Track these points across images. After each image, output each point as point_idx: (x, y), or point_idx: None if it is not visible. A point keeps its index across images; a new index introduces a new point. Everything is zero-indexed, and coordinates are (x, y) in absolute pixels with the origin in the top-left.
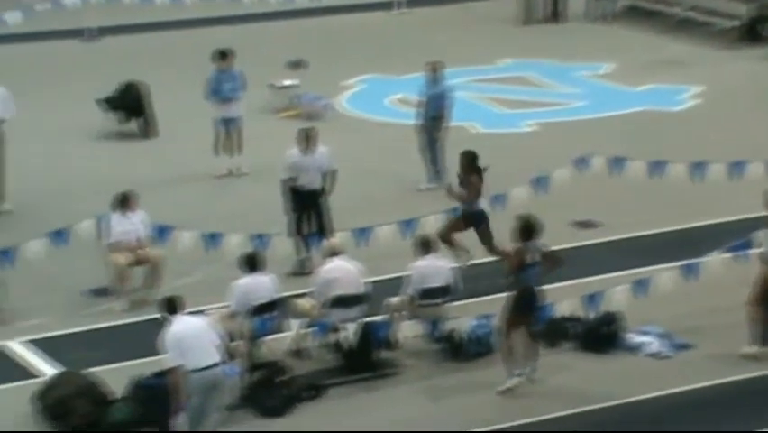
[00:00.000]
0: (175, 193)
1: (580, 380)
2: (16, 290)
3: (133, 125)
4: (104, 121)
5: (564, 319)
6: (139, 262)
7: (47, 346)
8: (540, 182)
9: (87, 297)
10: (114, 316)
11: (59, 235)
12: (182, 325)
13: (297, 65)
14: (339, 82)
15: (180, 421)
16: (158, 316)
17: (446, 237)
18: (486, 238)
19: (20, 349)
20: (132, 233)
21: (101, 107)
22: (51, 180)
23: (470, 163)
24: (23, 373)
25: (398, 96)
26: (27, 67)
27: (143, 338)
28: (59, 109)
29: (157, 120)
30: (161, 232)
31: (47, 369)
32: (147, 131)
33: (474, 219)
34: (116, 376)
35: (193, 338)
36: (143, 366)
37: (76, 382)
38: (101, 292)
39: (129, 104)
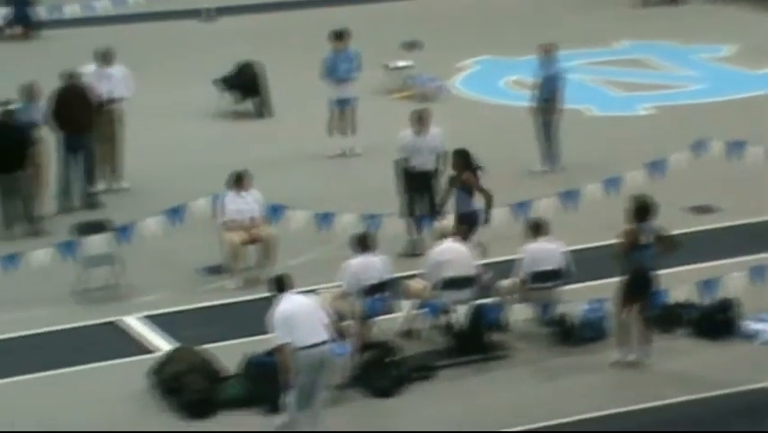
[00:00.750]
0: (289, 173)
1: (693, 366)
2: (133, 266)
3: (249, 105)
4: (219, 100)
5: (679, 305)
6: (252, 240)
7: (162, 322)
8: (656, 166)
9: (202, 274)
10: (228, 293)
11: (174, 213)
12: (290, 303)
13: (411, 46)
14: (454, 63)
15: (289, 399)
16: (269, 294)
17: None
18: (465, 238)
19: (136, 324)
20: (246, 212)
21: (217, 87)
22: (168, 159)
23: (464, 162)
24: (139, 348)
25: (514, 77)
26: (146, 46)
27: (256, 316)
28: (177, 88)
29: (272, 100)
30: (275, 211)
31: (162, 344)
32: (262, 111)
33: (468, 220)
34: (229, 353)
35: (301, 316)
36: (255, 344)
37: (190, 358)
38: (215, 270)
39: (245, 83)
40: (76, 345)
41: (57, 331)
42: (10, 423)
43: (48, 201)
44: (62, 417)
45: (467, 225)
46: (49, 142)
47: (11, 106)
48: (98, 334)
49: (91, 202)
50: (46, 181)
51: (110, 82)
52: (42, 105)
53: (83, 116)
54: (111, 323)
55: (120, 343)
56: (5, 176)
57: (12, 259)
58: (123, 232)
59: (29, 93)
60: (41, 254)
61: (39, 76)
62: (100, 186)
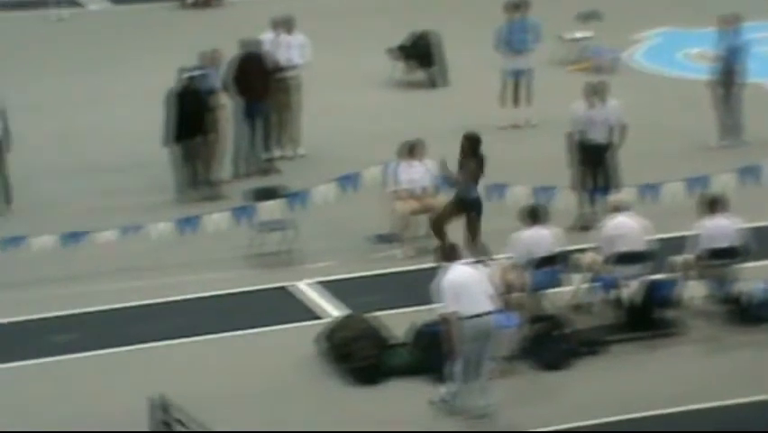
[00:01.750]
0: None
1: None
2: (306, 232)
3: (423, 74)
4: (394, 69)
5: None
6: (423, 210)
7: (332, 289)
8: None
9: (372, 242)
10: (397, 262)
11: (347, 181)
12: (458, 273)
13: (589, 17)
14: (633, 35)
15: (455, 369)
16: (437, 264)
17: (438, 226)
18: (472, 227)
19: (307, 290)
20: (418, 181)
21: (392, 56)
22: (343, 127)
23: (473, 147)
24: (310, 313)
25: (695, 50)
26: (323, 15)
27: (424, 286)
28: (352, 57)
29: (447, 70)
30: (446, 181)
31: (332, 311)
32: (436, 80)
33: (467, 206)
34: (397, 321)
35: (468, 286)
36: (423, 313)
37: (359, 325)
38: (385, 238)
39: (420, 53)
40: (248, 308)
41: (230, 294)
42: (182, 382)
43: (225, 166)
44: (232, 379)
45: (465, 210)
46: (227, 108)
47: (192, 73)
48: (270, 298)
49: (267, 168)
50: (224, 147)
51: (288, 50)
52: (222, 72)
53: (261, 83)
54: (282, 288)
55: (290, 308)
56: (187, 141)
57: (189, 222)
58: (297, 198)
59: (210, 60)
60: (216, 218)
61: (219, 43)
62: (276, 152)
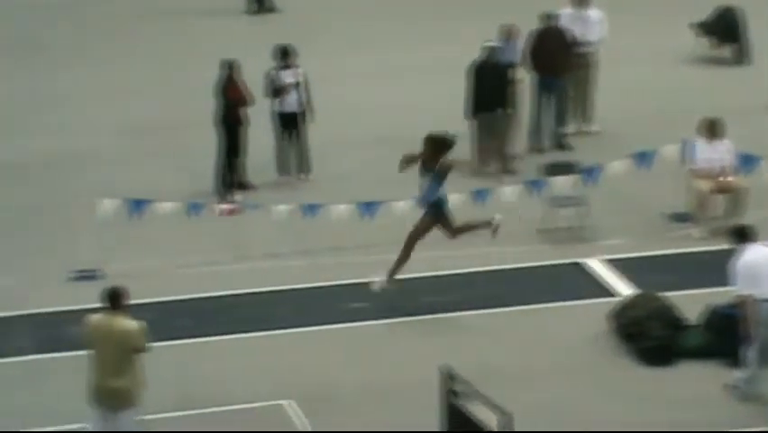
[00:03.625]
0: (764, 122)
1: None
2: (598, 208)
3: (726, 51)
4: (696, 45)
5: None
6: (721, 190)
7: (624, 266)
8: None
9: (667, 221)
10: (693, 242)
11: (642, 158)
12: (755, 254)
13: None
14: None
15: (750, 354)
16: (732, 245)
17: (411, 242)
18: (445, 230)
19: (598, 267)
20: (717, 161)
21: (694, 31)
22: (639, 103)
23: (438, 147)
24: (602, 290)
25: None
26: None
27: (720, 267)
28: (652, 33)
29: (750, 47)
30: (746, 161)
31: (623, 289)
32: (740, 57)
33: (434, 208)
34: (691, 302)
35: (764, 268)
36: (718, 295)
37: (651, 305)
38: (681, 218)
39: (724, 29)
40: (538, 283)
41: (521, 268)
42: (470, 354)
43: (520, 141)
44: (520, 354)
45: (432, 214)
46: (525, 82)
47: (493, 45)
48: (561, 274)
49: (561, 143)
50: (520, 121)
51: (585, 25)
52: (520, 46)
53: (559, 58)
54: (574, 264)
55: (582, 284)
56: (486, 114)
57: (482, 194)
58: (591, 174)
59: (508, 33)
60: (509, 191)
61: (517, 19)
62: (571, 128)
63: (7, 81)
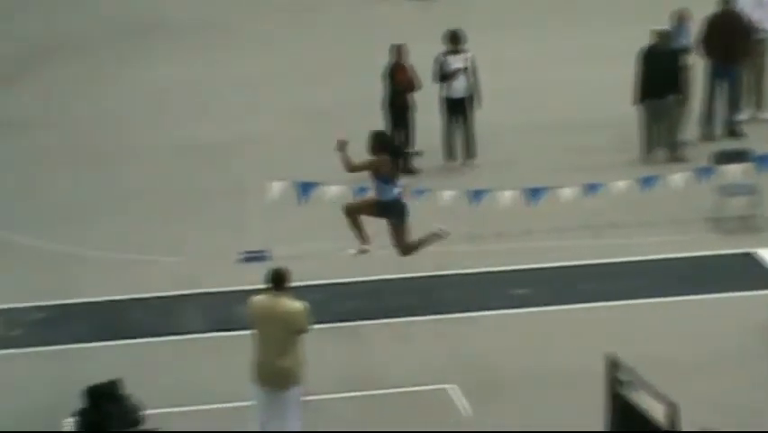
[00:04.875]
0: None
1: None
2: None
3: None
4: None
5: None
6: None
7: None
8: None
9: None
10: None
11: None
12: None
13: None
14: None
15: None
16: None
17: (352, 212)
18: (394, 232)
19: None
20: None
21: None
22: None
23: (379, 145)
24: None
25: None
26: None
27: None
28: None
29: None
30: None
31: None
32: None
33: (381, 208)
34: None
35: None
36: None
37: None
38: None
39: None
40: (706, 273)
41: (688, 258)
42: (633, 343)
43: (690, 127)
44: (681, 344)
45: (390, 215)
46: (697, 68)
47: (664, 31)
48: (731, 264)
49: (733, 131)
50: (690, 108)
51: (764, 11)
52: (692, 30)
53: (734, 44)
54: (745, 254)
55: (753, 275)
56: (655, 100)
57: (649, 181)
58: (764, 162)
59: (679, 17)
60: (678, 179)
61: (694, 2)
62: (744, 115)
63: (193, 65)
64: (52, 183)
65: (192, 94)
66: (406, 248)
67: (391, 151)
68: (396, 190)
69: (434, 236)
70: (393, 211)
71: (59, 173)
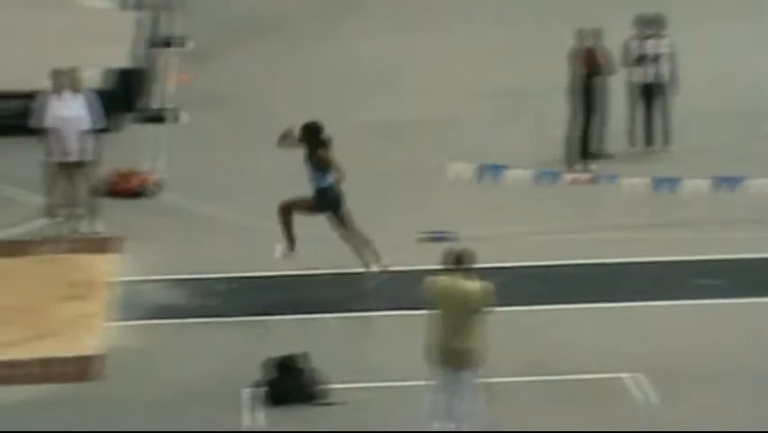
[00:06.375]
0: None
1: None
2: None
3: None
4: None
5: None
6: None
7: None
8: None
9: None
10: None
11: None
12: None
13: None
14: None
15: None
16: None
17: (286, 211)
18: (338, 223)
19: None
20: None
21: None
22: None
23: (311, 136)
24: None
25: None
26: None
27: None
28: None
29: None
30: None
31: None
32: None
33: (326, 197)
34: None
35: None
36: None
37: None
38: None
39: None
40: None
41: None
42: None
43: None
44: None
45: (325, 202)
46: None
47: None
48: None
49: None
50: None
51: None
52: None
53: None
54: None
55: None
56: None
57: None
58: None
59: None
60: None
61: None
62: None
63: (389, 42)
64: (246, 157)
65: (384, 72)
66: (353, 235)
67: (314, 140)
68: (330, 179)
69: (369, 259)
70: (329, 199)
71: (249, 148)
